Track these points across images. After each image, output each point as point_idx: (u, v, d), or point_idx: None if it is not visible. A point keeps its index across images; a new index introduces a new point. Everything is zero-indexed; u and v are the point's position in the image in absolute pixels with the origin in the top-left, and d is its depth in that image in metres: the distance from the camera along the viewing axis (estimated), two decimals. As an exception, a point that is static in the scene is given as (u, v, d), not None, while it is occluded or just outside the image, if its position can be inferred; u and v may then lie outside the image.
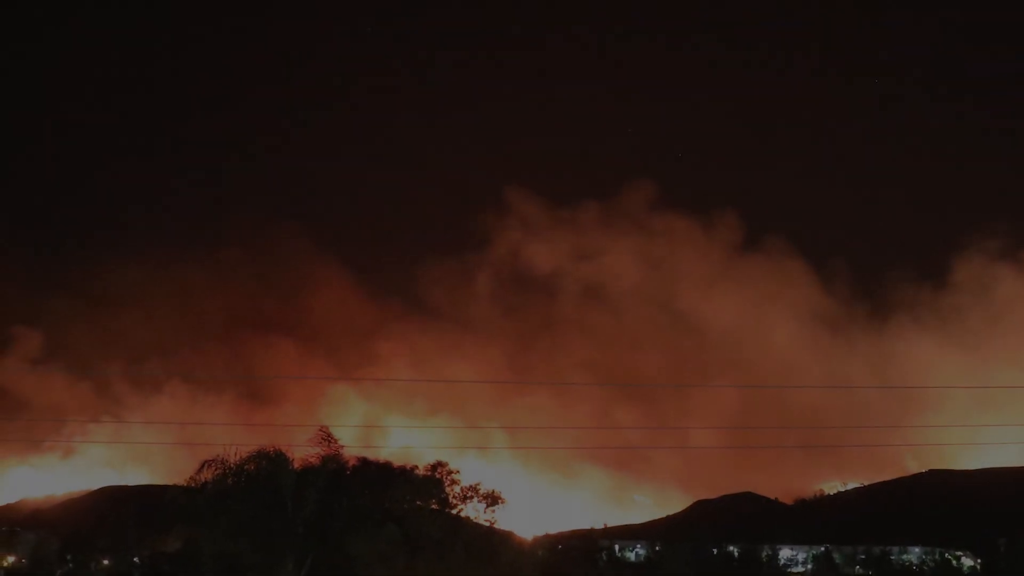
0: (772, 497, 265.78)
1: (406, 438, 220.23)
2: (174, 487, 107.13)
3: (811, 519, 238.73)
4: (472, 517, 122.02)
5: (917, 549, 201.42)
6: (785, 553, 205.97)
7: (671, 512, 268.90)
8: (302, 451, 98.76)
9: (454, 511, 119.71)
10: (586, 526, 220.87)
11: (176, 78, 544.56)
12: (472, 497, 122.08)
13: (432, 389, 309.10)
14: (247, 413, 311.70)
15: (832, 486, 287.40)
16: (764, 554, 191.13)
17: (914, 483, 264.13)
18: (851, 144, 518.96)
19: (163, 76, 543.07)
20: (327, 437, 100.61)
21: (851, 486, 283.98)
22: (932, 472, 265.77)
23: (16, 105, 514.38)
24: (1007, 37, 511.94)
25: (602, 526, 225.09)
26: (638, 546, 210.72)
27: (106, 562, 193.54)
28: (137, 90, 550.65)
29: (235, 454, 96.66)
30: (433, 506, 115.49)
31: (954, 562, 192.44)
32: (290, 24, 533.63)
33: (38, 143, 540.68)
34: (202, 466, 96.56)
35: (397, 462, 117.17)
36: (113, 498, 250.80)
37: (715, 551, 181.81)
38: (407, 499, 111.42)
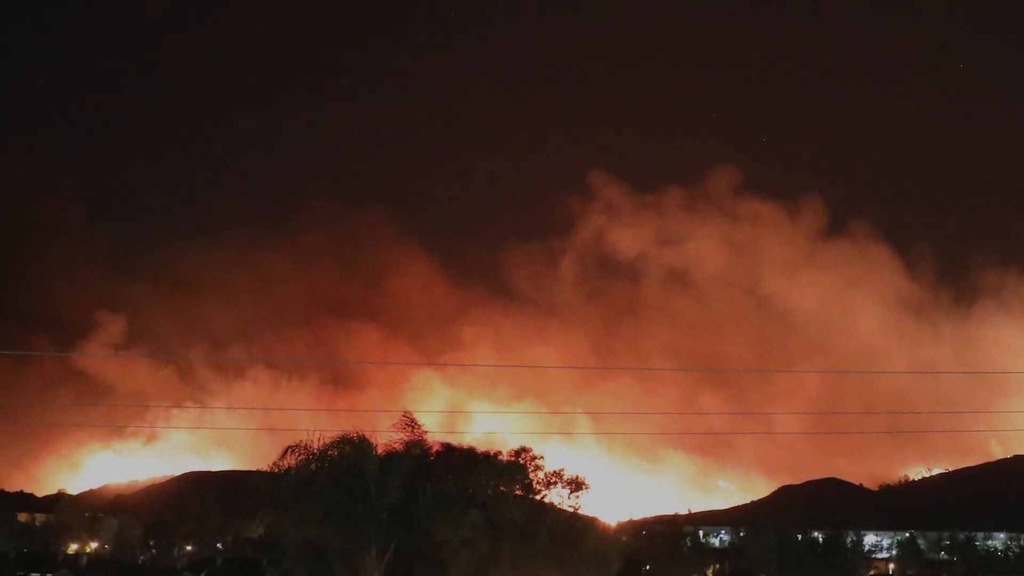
0: (857, 483, 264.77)
1: (490, 423, 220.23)
2: (257, 473, 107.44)
3: (896, 505, 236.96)
4: (556, 503, 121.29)
5: (1002, 535, 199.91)
6: (870, 539, 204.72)
7: (755, 498, 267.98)
8: (386, 437, 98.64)
9: (538, 497, 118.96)
10: (670, 512, 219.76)
11: (258, 64, 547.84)
12: (556, 483, 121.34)
13: (516, 374, 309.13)
14: (330, 399, 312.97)
15: (917, 472, 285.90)
16: (849, 540, 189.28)
17: (999, 469, 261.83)
18: (936, 129, 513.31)
19: (245, 62, 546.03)
20: (411, 423, 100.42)
21: (936, 472, 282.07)
22: (1017, 458, 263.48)
23: (96, 91, 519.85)
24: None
25: (686, 512, 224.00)
26: (722, 532, 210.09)
27: (189, 548, 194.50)
28: (219, 76, 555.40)
29: (318, 440, 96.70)
30: (517, 492, 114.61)
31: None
32: (371, 11, 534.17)
33: (120, 129, 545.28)
34: (285, 452, 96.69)
35: (481, 448, 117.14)
36: (196, 484, 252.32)
37: (800, 537, 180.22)
38: (491, 485, 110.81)
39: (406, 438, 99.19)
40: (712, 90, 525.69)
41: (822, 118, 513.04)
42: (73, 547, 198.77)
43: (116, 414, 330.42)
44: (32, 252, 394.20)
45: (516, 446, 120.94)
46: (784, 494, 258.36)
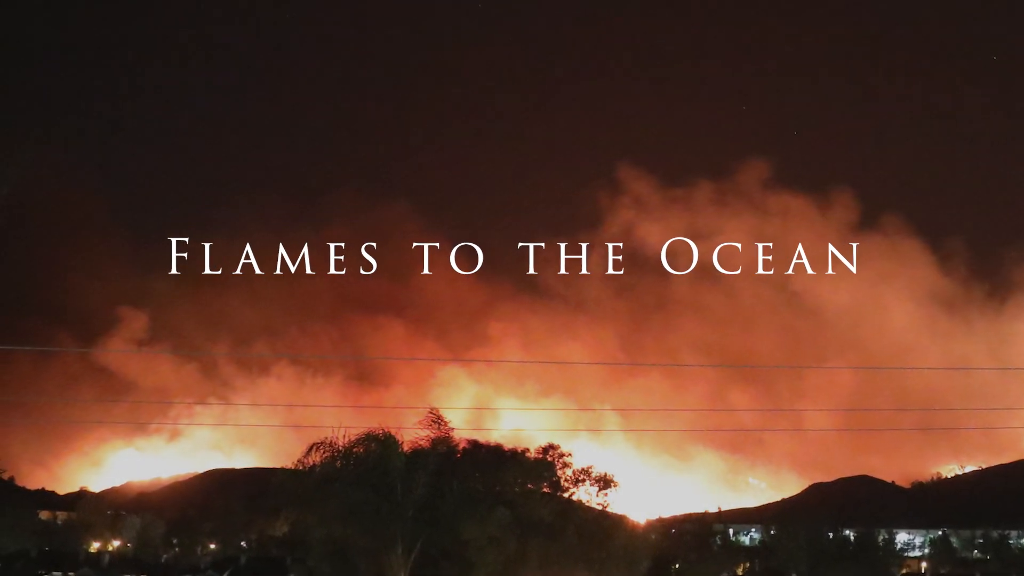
0: (889, 480, 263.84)
1: (517, 420, 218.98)
2: (282, 470, 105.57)
3: (928, 502, 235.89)
4: (584, 500, 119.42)
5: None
6: (902, 537, 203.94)
7: (786, 495, 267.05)
8: (412, 434, 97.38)
9: (566, 494, 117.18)
10: (700, 510, 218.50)
11: (282, 58, 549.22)
12: (584, 480, 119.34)
13: (543, 370, 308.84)
14: (356, 395, 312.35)
15: (950, 469, 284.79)
16: (881, 538, 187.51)
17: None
18: (969, 122, 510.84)
19: (268, 56, 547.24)
20: (437, 419, 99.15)
21: (969, 469, 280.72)
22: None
23: (120, 87, 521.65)
24: None
25: (716, 510, 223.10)
26: (753, 530, 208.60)
27: (213, 546, 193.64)
28: (242, 70, 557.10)
29: (344, 437, 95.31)
30: (544, 489, 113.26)
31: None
32: (397, 4, 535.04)
33: (143, 124, 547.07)
34: (310, 449, 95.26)
35: (508, 445, 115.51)
36: (220, 481, 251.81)
37: (831, 535, 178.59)
38: (518, 482, 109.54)
39: (432, 435, 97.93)
40: (742, 83, 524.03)
41: (853, 111, 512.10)
42: (95, 545, 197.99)
43: (139, 411, 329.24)
44: (55, 247, 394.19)
45: (544, 443, 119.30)
46: (815, 492, 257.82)
